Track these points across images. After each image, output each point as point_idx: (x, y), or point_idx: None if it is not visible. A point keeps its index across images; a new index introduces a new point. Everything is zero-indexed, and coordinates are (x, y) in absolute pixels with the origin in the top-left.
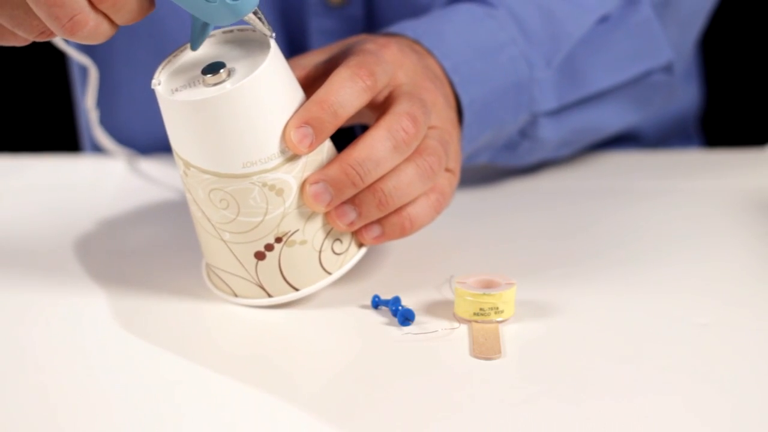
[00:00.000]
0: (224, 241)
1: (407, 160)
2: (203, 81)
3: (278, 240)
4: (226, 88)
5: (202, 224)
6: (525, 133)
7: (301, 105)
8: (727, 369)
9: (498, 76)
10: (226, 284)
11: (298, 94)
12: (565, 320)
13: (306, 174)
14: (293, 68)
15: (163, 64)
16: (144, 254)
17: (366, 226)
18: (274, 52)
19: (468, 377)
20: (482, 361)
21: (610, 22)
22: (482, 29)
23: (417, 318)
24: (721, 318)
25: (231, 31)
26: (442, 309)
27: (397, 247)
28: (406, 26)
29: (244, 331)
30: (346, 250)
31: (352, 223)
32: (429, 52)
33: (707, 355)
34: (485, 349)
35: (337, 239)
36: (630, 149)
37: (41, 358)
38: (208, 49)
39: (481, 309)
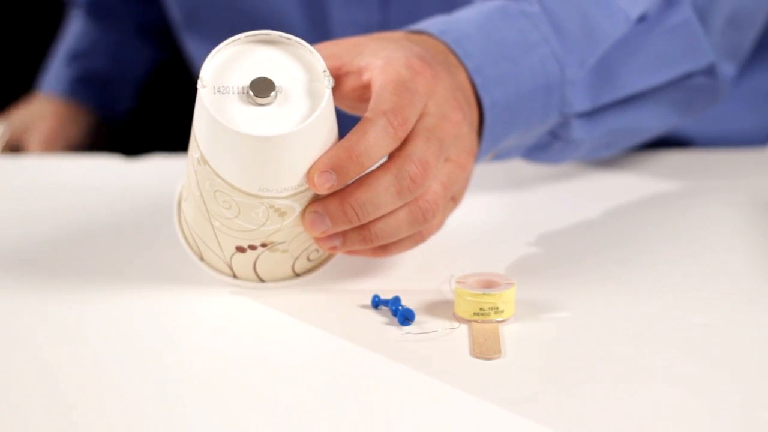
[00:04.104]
0: (212, 225)
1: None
2: (250, 96)
3: (263, 245)
4: (272, 123)
5: (195, 200)
6: (556, 134)
7: (333, 145)
8: (727, 369)
9: (525, 79)
10: (198, 247)
11: (333, 134)
12: (565, 320)
13: (312, 199)
14: (326, 59)
15: (211, 55)
16: (144, 254)
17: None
18: (328, 100)
19: (468, 377)
20: (482, 361)
21: (647, 22)
22: (513, 28)
23: (417, 318)
24: (721, 318)
25: (289, 38)
26: (442, 309)
27: None
28: (434, 23)
29: (242, 331)
30: (319, 257)
31: (334, 248)
32: (458, 60)
33: (707, 355)
34: (485, 349)
35: (315, 249)
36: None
37: (39, 358)
38: (258, 49)
39: (481, 309)
